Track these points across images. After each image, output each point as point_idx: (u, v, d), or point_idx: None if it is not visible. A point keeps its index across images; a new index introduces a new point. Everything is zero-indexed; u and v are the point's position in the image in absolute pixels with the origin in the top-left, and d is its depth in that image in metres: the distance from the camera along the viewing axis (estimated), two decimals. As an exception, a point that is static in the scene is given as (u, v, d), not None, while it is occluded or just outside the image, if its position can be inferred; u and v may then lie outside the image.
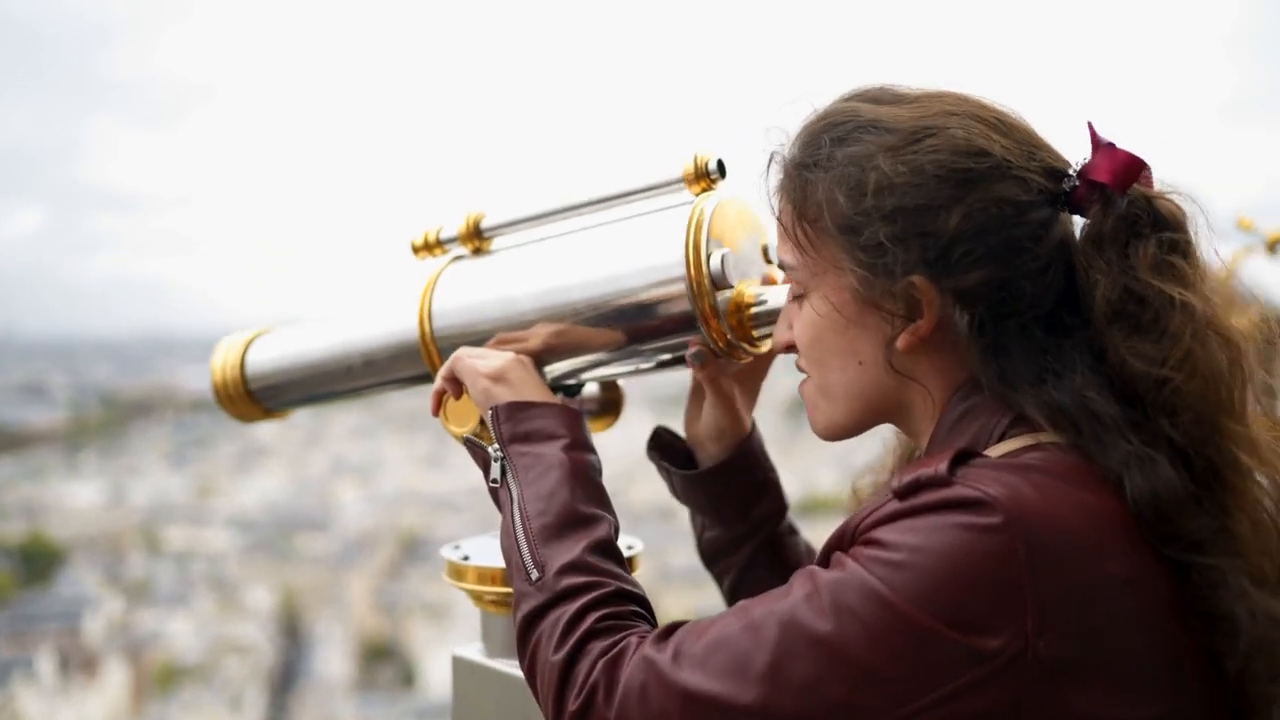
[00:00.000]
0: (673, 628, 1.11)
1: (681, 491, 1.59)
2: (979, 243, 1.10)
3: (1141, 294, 1.07)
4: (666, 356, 1.46)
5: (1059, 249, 1.12)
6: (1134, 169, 1.11)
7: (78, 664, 49.39)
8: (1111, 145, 1.12)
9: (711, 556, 1.60)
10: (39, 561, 63.18)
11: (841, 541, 1.05)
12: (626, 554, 1.48)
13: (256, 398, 1.85)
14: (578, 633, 1.14)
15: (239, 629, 55.50)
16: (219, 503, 72.81)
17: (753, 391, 1.55)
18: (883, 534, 1.00)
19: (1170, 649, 1.00)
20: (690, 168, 1.41)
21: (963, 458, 1.03)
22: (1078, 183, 1.12)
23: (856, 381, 1.19)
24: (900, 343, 1.14)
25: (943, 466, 1.01)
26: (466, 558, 1.57)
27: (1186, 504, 1.02)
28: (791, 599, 1.01)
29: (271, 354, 1.83)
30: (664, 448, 1.60)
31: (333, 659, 56.41)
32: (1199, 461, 1.05)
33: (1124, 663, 0.97)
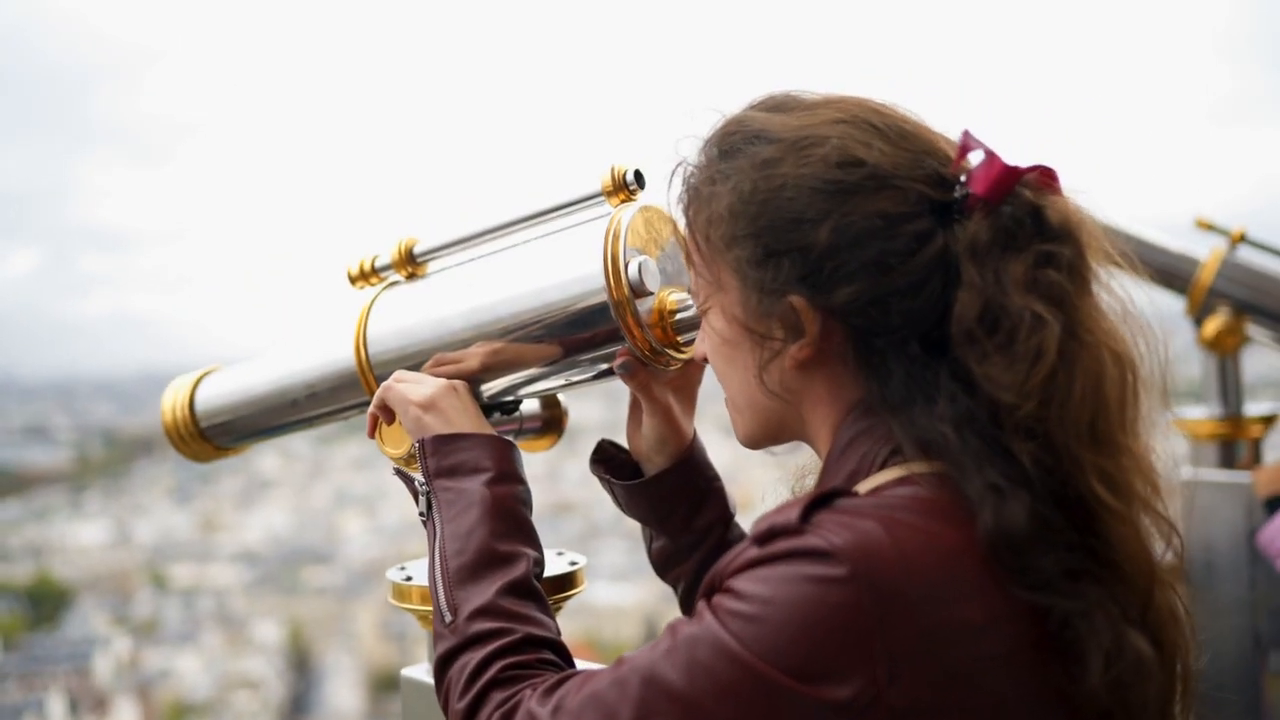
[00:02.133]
0: (564, 679, 1.10)
1: (624, 503, 1.56)
2: (849, 257, 1.06)
3: (1004, 310, 1.02)
4: (603, 366, 1.46)
5: (938, 263, 1.06)
6: (1009, 179, 1.05)
7: (88, 704, 49.35)
8: (991, 156, 1.06)
9: (662, 565, 1.58)
10: (47, 603, 63.12)
11: (712, 584, 1.04)
12: (569, 569, 1.53)
13: (207, 436, 1.86)
14: (480, 681, 1.15)
15: (248, 664, 55.41)
16: (224, 538, 72.74)
17: (689, 399, 1.52)
18: (738, 583, 0.99)
19: (1031, 692, 0.98)
20: (608, 180, 1.42)
21: (823, 500, 1.00)
22: (968, 192, 1.07)
23: (755, 398, 1.17)
24: (788, 363, 1.12)
25: (793, 515, 0.99)
26: (409, 579, 1.57)
27: (1037, 541, 0.98)
28: (655, 653, 1.01)
29: (219, 391, 1.84)
30: (607, 460, 1.58)
31: (342, 690, 56.36)
32: (1069, 493, 1.01)
33: (982, 708, 0.96)
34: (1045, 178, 1.08)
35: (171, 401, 1.88)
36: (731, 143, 1.15)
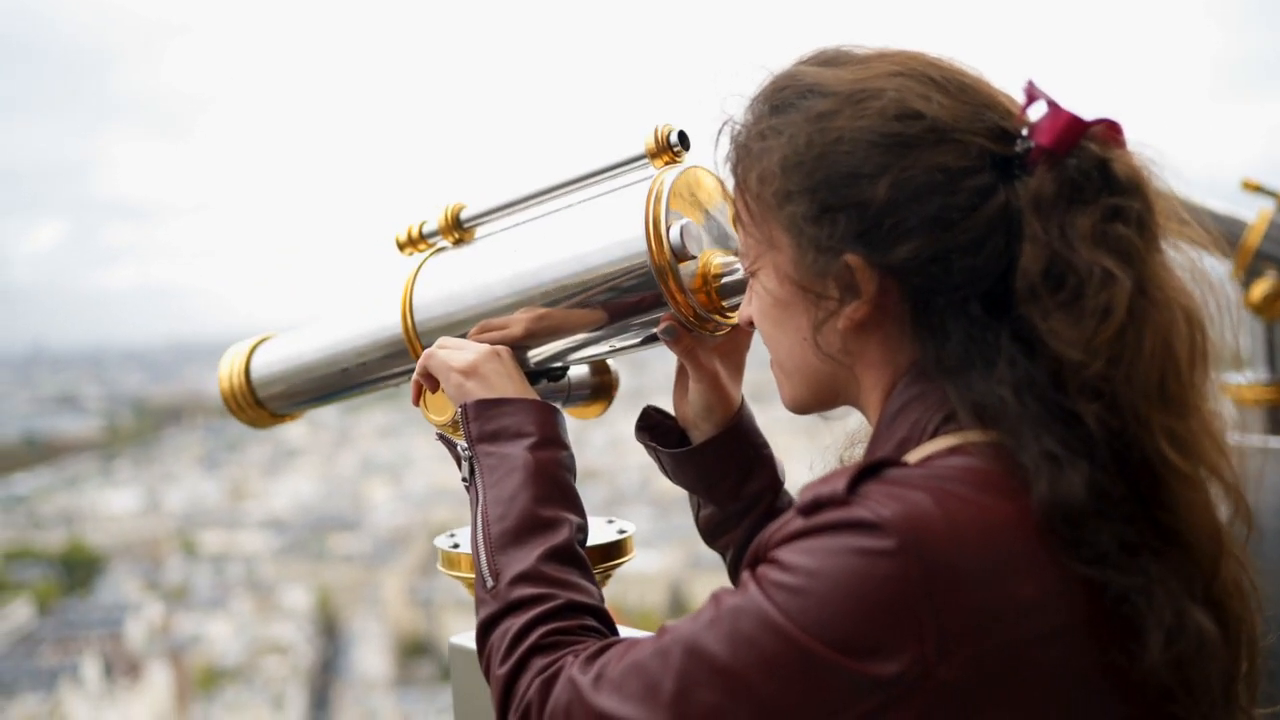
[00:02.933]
0: (606, 646, 1.09)
1: (671, 471, 1.54)
2: (909, 213, 1.02)
3: (1070, 266, 0.98)
4: (649, 332, 1.44)
5: (1000, 219, 1.02)
6: (1075, 130, 1.01)
7: (121, 669, 50.08)
8: (1055, 106, 1.03)
9: (709, 533, 1.56)
10: (79, 569, 64.03)
11: (756, 555, 1.02)
12: (617, 537, 1.53)
13: (264, 403, 1.88)
14: (522, 647, 1.14)
15: (277, 629, 56.11)
16: (252, 505, 73.48)
17: (737, 365, 1.50)
18: (783, 554, 0.97)
19: (1086, 669, 0.95)
20: (651, 142, 1.39)
21: (871, 470, 0.98)
22: (1032, 145, 1.03)
23: (806, 361, 1.14)
24: (841, 325, 1.09)
25: (840, 485, 0.96)
26: (456, 545, 1.56)
27: (1094, 513, 0.94)
28: (697, 624, 1.00)
29: (273, 359, 1.85)
30: (653, 427, 1.56)
31: (370, 656, 56.96)
32: (1134, 457, 0.97)
33: (1033, 685, 0.93)
34: (1111, 131, 1.04)
35: (229, 369, 1.89)
36: (783, 98, 1.11)
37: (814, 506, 0.98)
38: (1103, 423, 0.97)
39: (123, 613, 54.98)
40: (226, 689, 50.76)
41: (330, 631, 62.37)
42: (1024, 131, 1.04)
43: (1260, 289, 3.06)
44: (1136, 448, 0.97)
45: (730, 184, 1.19)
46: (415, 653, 59.46)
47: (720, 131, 1.18)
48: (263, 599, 59.14)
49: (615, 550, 1.53)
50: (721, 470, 1.50)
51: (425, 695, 50.33)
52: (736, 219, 1.18)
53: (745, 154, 1.14)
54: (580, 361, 1.60)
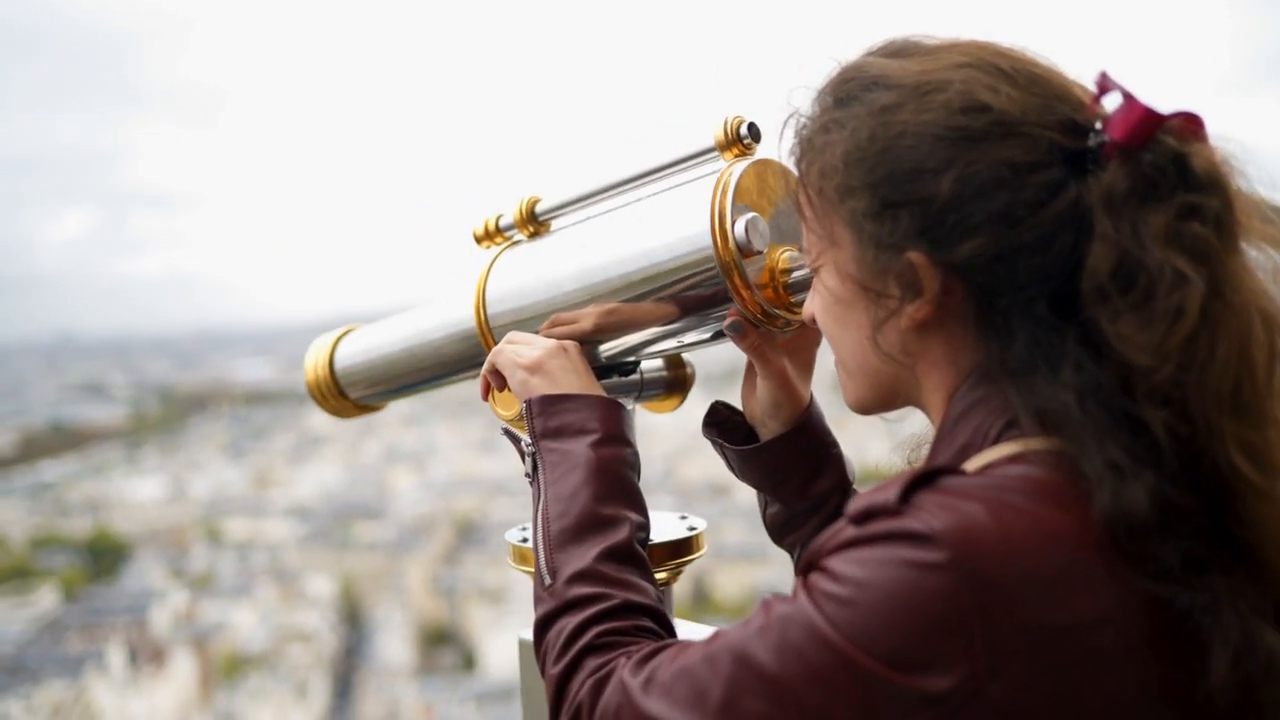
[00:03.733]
0: (659, 649, 1.08)
1: (737, 468, 1.52)
2: (973, 210, 0.98)
3: (1141, 266, 0.94)
4: (717, 328, 1.42)
5: (1069, 216, 0.97)
6: (1150, 123, 0.96)
7: (146, 655, 50.51)
8: (1130, 99, 0.97)
9: (776, 531, 1.53)
10: (105, 556, 64.65)
11: (809, 563, 0.99)
12: (687, 534, 1.51)
13: (347, 394, 1.89)
14: (576, 647, 1.13)
15: (301, 617, 56.44)
16: (277, 494, 73.95)
17: (805, 362, 1.47)
18: (834, 563, 0.94)
19: (1147, 689, 0.91)
20: (721, 134, 1.36)
21: (925, 479, 0.94)
22: (1105, 139, 0.98)
23: (868, 360, 1.11)
24: (903, 324, 1.05)
25: (892, 494, 0.93)
26: (526, 540, 1.54)
27: (1159, 526, 0.90)
28: (747, 631, 0.98)
29: (356, 350, 1.85)
30: (721, 423, 1.53)
31: (393, 644, 57.21)
32: (1204, 468, 0.93)
33: (1091, 704, 0.90)
34: (1190, 124, 0.98)
35: (314, 360, 1.90)
36: (847, 90, 1.08)
37: (866, 515, 0.95)
38: (1171, 431, 0.92)
39: (148, 600, 55.49)
40: (250, 676, 51.13)
41: (353, 620, 62.73)
42: (1097, 125, 1.00)
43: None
44: (1207, 457, 0.93)
45: (796, 178, 1.16)
46: (438, 641, 59.71)
47: (785, 124, 1.15)
48: (287, 587, 59.53)
49: (685, 547, 1.51)
50: (788, 469, 1.47)
51: (447, 684, 50.51)
52: (803, 216, 1.15)
53: (808, 148, 1.11)
54: (651, 356, 1.58)
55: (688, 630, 1.48)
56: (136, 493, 74.00)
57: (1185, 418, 0.92)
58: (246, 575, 60.78)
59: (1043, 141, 0.99)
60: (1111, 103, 0.99)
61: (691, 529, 1.53)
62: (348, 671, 57.71)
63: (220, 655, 53.07)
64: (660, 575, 1.47)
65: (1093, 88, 1.01)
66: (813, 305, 1.17)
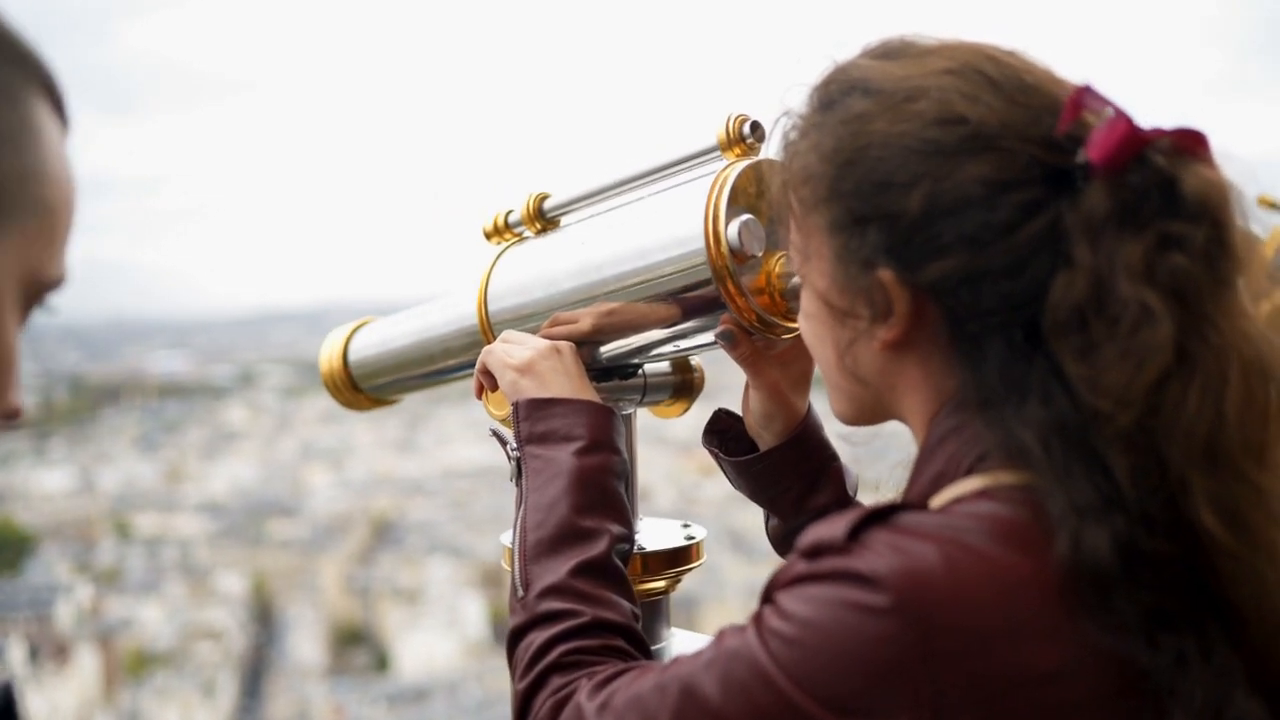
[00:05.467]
0: (619, 673, 1.06)
1: (732, 479, 1.48)
2: (943, 229, 0.93)
3: (1112, 299, 0.87)
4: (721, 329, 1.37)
5: (1046, 239, 0.91)
6: (1133, 144, 0.89)
7: (49, 652, 49.25)
8: (1115, 117, 0.90)
9: (778, 544, 1.48)
10: (8, 549, 62.75)
11: (766, 593, 0.97)
12: (685, 543, 1.48)
13: (360, 386, 1.87)
14: (541, 664, 1.12)
15: (210, 614, 55.49)
16: (189, 488, 72.56)
17: (800, 374, 1.41)
18: (783, 598, 0.92)
19: None
20: (723, 133, 1.31)
21: (879, 515, 0.90)
22: (1088, 157, 0.92)
23: (845, 378, 1.07)
24: (876, 344, 1.00)
25: (840, 530, 0.89)
26: None
27: (1123, 576, 0.84)
28: (698, 663, 0.97)
29: (369, 342, 1.84)
30: (722, 432, 1.49)
31: (305, 644, 56.56)
32: (1178, 517, 0.86)
33: None
34: (1188, 143, 0.90)
35: (328, 352, 1.88)
36: (829, 93, 1.02)
37: (814, 551, 0.92)
38: (1137, 478, 0.85)
39: (52, 594, 54.02)
40: (157, 674, 50.15)
41: (265, 618, 61.81)
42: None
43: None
44: (1175, 510, 0.85)
45: (781, 183, 1.10)
46: (351, 641, 59.07)
47: (776, 124, 1.09)
48: (197, 583, 58.50)
49: (683, 556, 1.48)
50: (783, 481, 1.43)
51: (359, 684, 50.05)
52: (788, 223, 1.09)
53: (792, 153, 1.05)
54: (653, 359, 1.53)
55: (683, 639, 1.52)
56: (43, 484, 72.04)
57: (1154, 464, 0.85)
58: (155, 571, 59.51)
59: (1021, 157, 0.92)
60: (1094, 118, 0.92)
61: (690, 538, 1.50)
62: (257, 670, 56.84)
63: (126, 652, 51.97)
64: (658, 584, 1.46)
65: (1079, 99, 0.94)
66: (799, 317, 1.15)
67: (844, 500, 1.44)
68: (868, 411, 1.09)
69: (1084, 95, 0.92)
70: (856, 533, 0.89)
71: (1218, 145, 0.91)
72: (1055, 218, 0.91)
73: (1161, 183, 0.88)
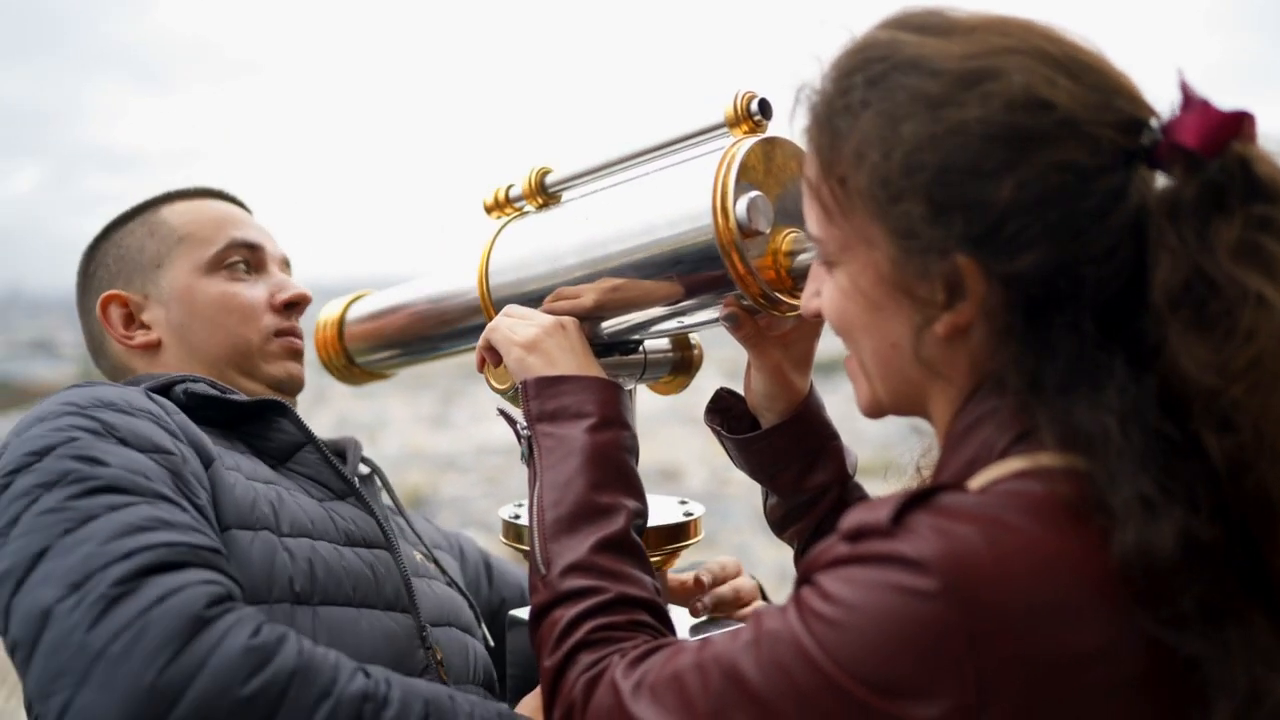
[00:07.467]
0: (652, 650, 1.07)
1: (734, 457, 1.50)
2: (1035, 218, 0.91)
3: (1213, 281, 0.88)
4: (726, 312, 1.39)
5: (1132, 224, 0.92)
6: (1227, 130, 0.90)
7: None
8: (1205, 103, 0.91)
9: (777, 524, 1.51)
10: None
11: (804, 575, 0.98)
12: (684, 519, 1.50)
13: (355, 359, 1.87)
14: (570, 642, 1.13)
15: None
16: (225, 460, 73.12)
17: (803, 354, 1.43)
18: (825, 580, 0.92)
19: None
20: (730, 110, 1.31)
21: (921, 498, 0.91)
22: (1160, 138, 0.92)
23: (891, 364, 1.05)
24: (938, 330, 0.99)
25: (884, 514, 0.90)
26: (519, 517, 1.52)
27: (1182, 570, 0.85)
28: (737, 644, 0.97)
29: (365, 314, 1.83)
30: (724, 410, 1.52)
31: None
32: (1255, 497, 0.87)
33: None
34: (1249, 127, 0.91)
35: (323, 323, 1.87)
36: (878, 70, 0.98)
37: (857, 534, 0.92)
38: (1230, 457, 0.87)
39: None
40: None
41: (299, 589, 62.28)
42: (1153, 123, 0.93)
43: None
44: (1260, 487, 0.87)
45: (805, 166, 1.08)
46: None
47: (798, 100, 1.05)
48: (232, 554, 59.01)
49: (681, 532, 1.50)
50: (783, 460, 1.46)
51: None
52: (820, 208, 1.05)
53: (830, 131, 1.01)
54: (655, 336, 1.54)
55: (678, 615, 1.54)
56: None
57: (1244, 444, 0.87)
58: (192, 541, 60.23)
59: (1104, 143, 0.91)
60: (1175, 100, 0.92)
61: (688, 514, 1.52)
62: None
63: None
64: (654, 559, 1.46)
65: (1127, 77, 0.95)
66: (819, 301, 1.11)
67: (844, 479, 1.47)
68: (903, 400, 1.08)
69: (1188, 88, 0.92)
70: (900, 516, 0.90)
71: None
72: (1139, 203, 0.91)
73: (1241, 166, 0.89)
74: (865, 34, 1.02)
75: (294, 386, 1.71)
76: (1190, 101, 0.92)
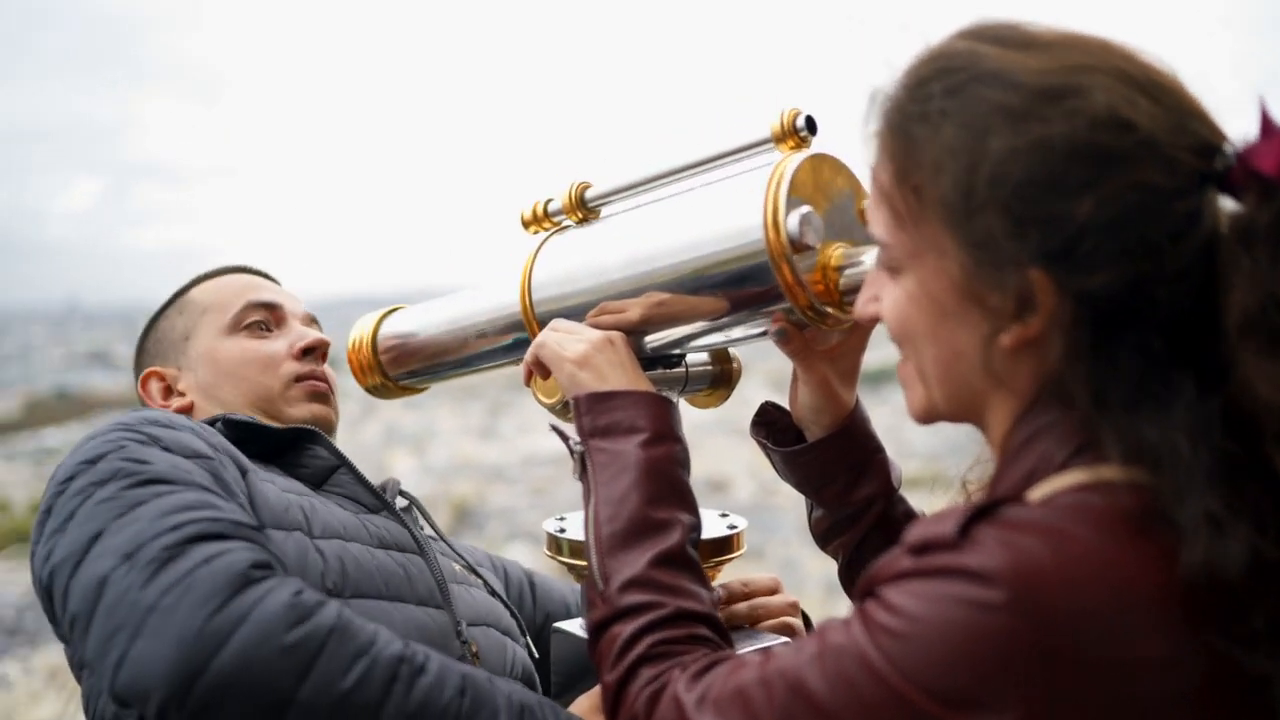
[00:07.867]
0: (713, 663, 1.07)
1: (781, 470, 1.51)
2: (1112, 237, 0.92)
3: None
4: (775, 328, 1.39)
5: (1205, 247, 0.93)
6: None
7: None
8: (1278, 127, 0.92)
9: (821, 536, 1.52)
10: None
11: (865, 587, 0.98)
12: (728, 532, 1.50)
13: (389, 373, 1.86)
14: (631, 657, 1.13)
15: (296, 593, 56.50)
16: (277, 470, 73.82)
17: (849, 369, 1.44)
18: (890, 594, 0.93)
19: None
20: (777, 126, 1.33)
21: (985, 511, 0.92)
22: (1233, 163, 0.93)
23: (953, 372, 1.04)
24: (1005, 341, 0.99)
25: (949, 527, 0.91)
26: (563, 530, 1.52)
27: (1251, 588, 0.86)
28: (802, 658, 0.97)
29: (401, 329, 1.83)
30: (770, 423, 1.53)
31: (387, 624, 57.24)
32: None
33: None
34: None
35: (357, 336, 1.87)
36: (958, 80, 0.98)
37: (923, 547, 0.93)
38: None
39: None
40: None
41: (348, 598, 62.70)
42: (1226, 148, 0.94)
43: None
44: None
45: (874, 170, 1.07)
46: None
47: (871, 105, 1.05)
48: (283, 563, 59.52)
49: (725, 546, 1.51)
50: (830, 473, 1.46)
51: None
52: (890, 214, 1.05)
53: (906, 139, 1.01)
54: (699, 350, 1.56)
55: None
56: (138, 463, 73.96)
57: None
58: (244, 550, 60.83)
59: (1182, 164, 0.92)
60: (1249, 128, 0.94)
61: (732, 527, 1.53)
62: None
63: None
64: None
65: (1201, 101, 0.97)
66: (877, 306, 1.11)
67: (889, 492, 1.47)
68: (959, 409, 1.08)
69: (1267, 115, 0.93)
70: (966, 529, 0.90)
71: None
72: (1213, 226, 0.93)
73: None
74: (941, 43, 1.02)
75: (323, 427, 1.75)
76: (1269, 129, 0.92)
